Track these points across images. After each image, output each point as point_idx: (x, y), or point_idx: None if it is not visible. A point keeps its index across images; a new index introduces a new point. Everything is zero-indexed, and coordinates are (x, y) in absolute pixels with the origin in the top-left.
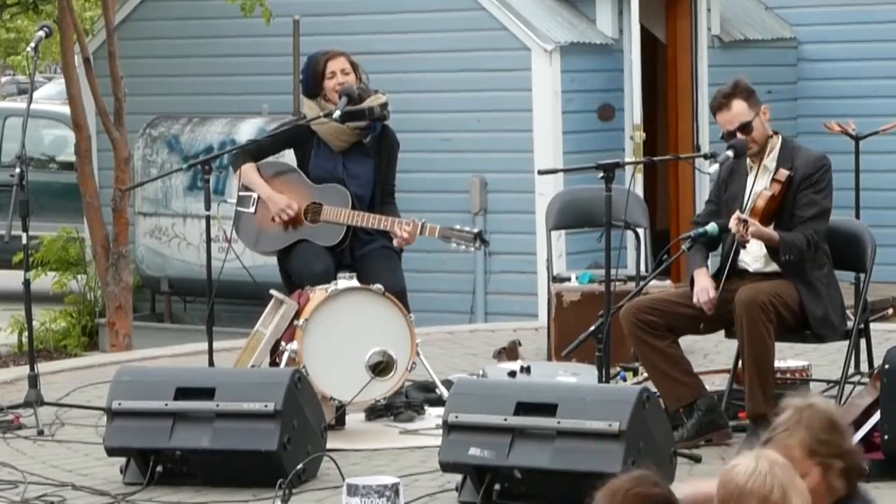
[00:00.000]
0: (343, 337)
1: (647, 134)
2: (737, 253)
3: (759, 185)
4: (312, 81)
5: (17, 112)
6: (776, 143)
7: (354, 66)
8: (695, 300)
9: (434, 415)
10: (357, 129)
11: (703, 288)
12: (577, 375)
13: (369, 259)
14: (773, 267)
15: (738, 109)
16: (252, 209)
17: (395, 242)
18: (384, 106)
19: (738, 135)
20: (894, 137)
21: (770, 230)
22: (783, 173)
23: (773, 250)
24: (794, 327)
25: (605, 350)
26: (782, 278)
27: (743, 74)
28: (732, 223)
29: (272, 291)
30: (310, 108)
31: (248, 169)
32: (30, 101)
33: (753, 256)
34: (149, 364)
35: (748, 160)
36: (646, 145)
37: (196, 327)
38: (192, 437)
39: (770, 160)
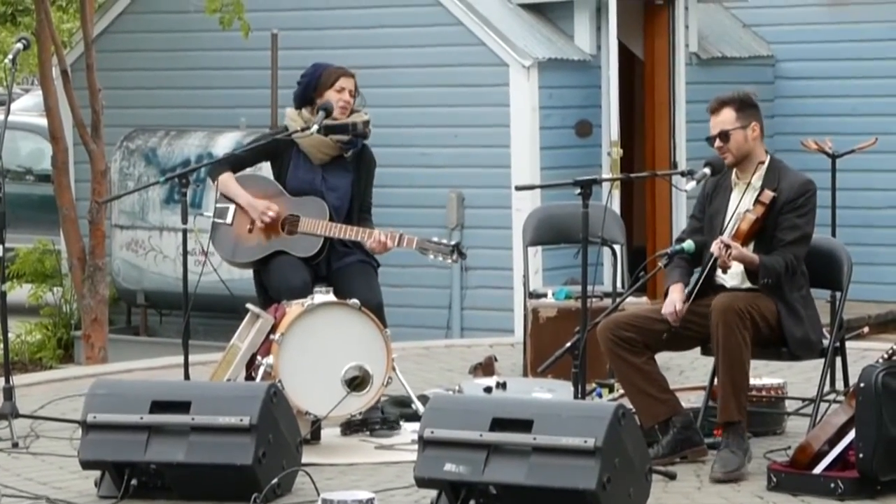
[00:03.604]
0: (319, 351)
1: (624, 150)
2: (714, 269)
3: (744, 204)
4: (314, 88)
5: None
6: (764, 162)
7: (357, 91)
8: (662, 310)
9: (410, 430)
10: (339, 143)
11: (672, 301)
12: (552, 391)
13: (346, 273)
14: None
15: (724, 117)
16: (229, 220)
17: (369, 244)
18: (367, 123)
19: (717, 141)
20: (871, 156)
21: (750, 254)
22: (768, 195)
23: (751, 273)
24: (771, 341)
25: (581, 366)
26: (761, 293)
27: (752, 90)
28: (714, 247)
29: (248, 305)
30: (292, 119)
31: (227, 178)
32: (7, 112)
33: (731, 273)
34: (124, 377)
35: (733, 176)
36: (623, 162)
37: (172, 340)
38: (167, 450)
39: (756, 179)
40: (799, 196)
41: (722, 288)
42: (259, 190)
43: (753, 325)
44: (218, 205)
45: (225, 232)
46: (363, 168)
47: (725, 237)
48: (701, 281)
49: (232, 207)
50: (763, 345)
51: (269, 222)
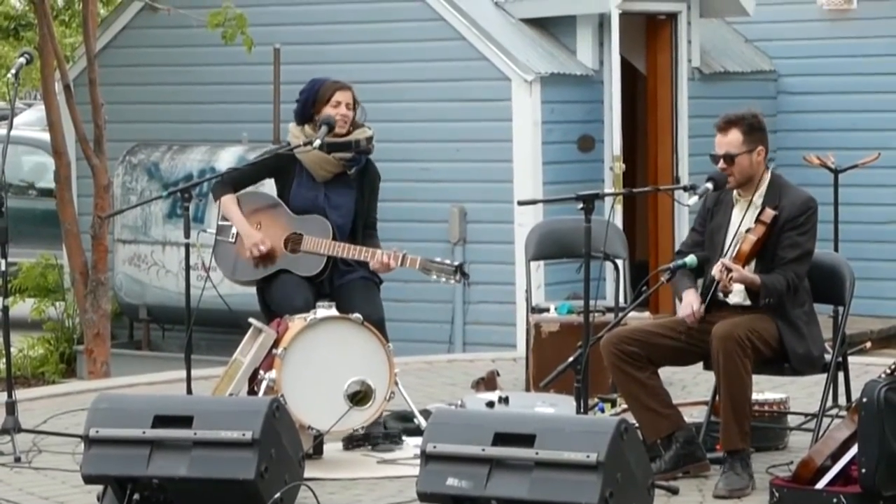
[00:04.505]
0: (321, 366)
1: (626, 165)
2: (716, 290)
3: (745, 222)
4: (311, 104)
5: None
6: (765, 178)
7: (356, 103)
8: (679, 314)
9: (412, 444)
10: (342, 161)
11: (689, 303)
12: (555, 406)
13: (348, 289)
14: None
15: (731, 139)
16: (231, 239)
17: (371, 265)
18: (370, 139)
19: (721, 162)
20: (873, 171)
21: (751, 275)
22: (769, 214)
23: (752, 292)
24: (772, 361)
25: (583, 381)
26: (762, 312)
27: (759, 110)
28: (716, 270)
29: (251, 320)
30: (294, 135)
31: (228, 200)
32: (10, 127)
33: (734, 290)
34: (127, 391)
35: (734, 192)
36: (625, 176)
37: (174, 355)
38: (169, 465)
39: (758, 196)
40: (801, 214)
41: (724, 304)
42: (262, 209)
43: (755, 351)
44: (221, 222)
45: (228, 250)
46: (367, 184)
47: (727, 260)
48: (708, 298)
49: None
50: (765, 364)
51: (256, 257)
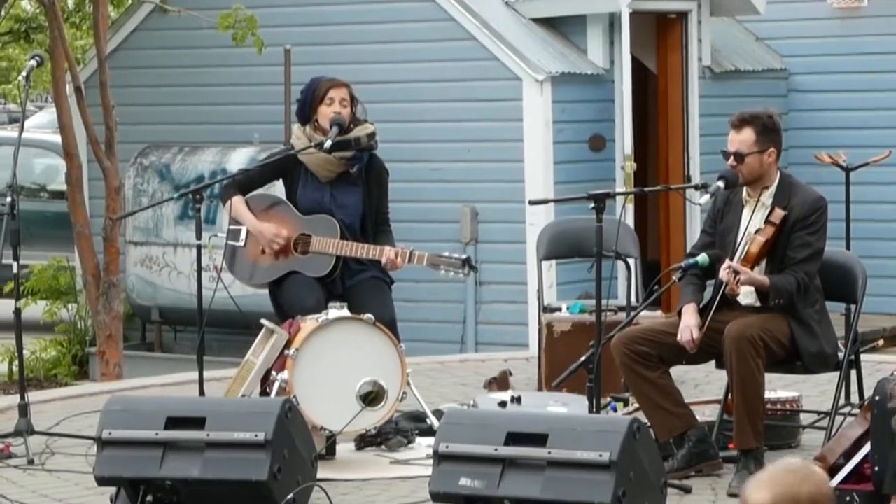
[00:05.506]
0: (334, 366)
1: (637, 164)
2: (724, 288)
3: (755, 222)
4: (309, 104)
5: (9, 141)
6: (775, 178)
7: (353, 100)
8: (678, 337)
9: (424, 445)
10: (343, 159)
11: (687, 326)
12: (567, 405)
13: (360, 289)
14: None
15: (744, 138)
16: (242, 242)
17: (383, 261)
18: (371, 136)
19: (731, 159)
20: (885, 169)
21: (760, 276)
22: (779, 214)
23: (762, 293)
24: (785, 360)
25: (595, 380)
26: (773, 311)
27: (775, 110)
28: (723, 273)
29: (263, 321)
30: (298, 137)
31: (237, 202)
32: (21, 129)
33: (745, 291)
34: (139, 393)
35: (744, 192)
36: (636, 176)
37: (186, 356)
38: (182, 466)
39: (767, 196)
40: (811, 213)
41: (736, 304)
42: (270, 210)
43: (767, 351)
44: (231, 226)
45: (238, 253)
46: (373, 180)
47: (734, 262)
48: (715, 303)
49: (244, 229)
50: (778, 363)
51: (277, 250)
